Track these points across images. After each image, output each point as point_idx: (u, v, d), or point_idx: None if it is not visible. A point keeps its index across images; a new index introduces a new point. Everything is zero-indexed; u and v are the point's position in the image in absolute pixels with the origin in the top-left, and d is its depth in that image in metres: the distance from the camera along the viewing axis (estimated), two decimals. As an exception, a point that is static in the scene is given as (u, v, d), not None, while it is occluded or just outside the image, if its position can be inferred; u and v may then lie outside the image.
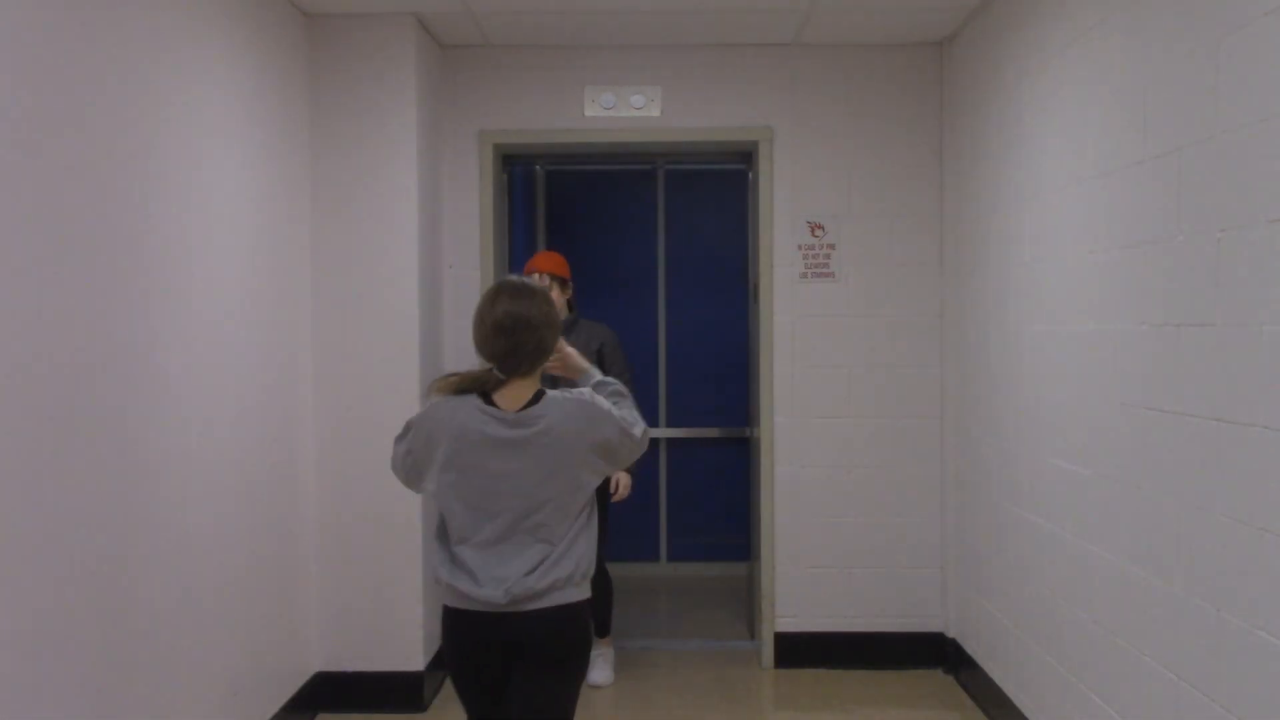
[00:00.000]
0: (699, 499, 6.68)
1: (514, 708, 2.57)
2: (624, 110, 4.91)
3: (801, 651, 4.89)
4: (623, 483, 4.65)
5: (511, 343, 2.53)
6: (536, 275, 4.55)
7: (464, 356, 4.91)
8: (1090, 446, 3.27)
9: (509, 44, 4.87)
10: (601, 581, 4.79)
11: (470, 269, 4.93)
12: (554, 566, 2.53)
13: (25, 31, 2.45)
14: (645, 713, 4.45)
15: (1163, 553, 2.79)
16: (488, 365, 2.59)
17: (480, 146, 4.93)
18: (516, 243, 5.88)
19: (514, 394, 2.57)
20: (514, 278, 2.71)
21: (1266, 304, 2.32)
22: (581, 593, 2.61)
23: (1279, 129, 2.28)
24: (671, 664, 4.99)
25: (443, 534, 2.63)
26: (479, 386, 2.58)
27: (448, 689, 4.71)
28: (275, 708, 3.97)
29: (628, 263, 6.81)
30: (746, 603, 5.59)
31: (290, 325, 4.19)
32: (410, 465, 2.64)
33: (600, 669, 4.74)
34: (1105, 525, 3.16)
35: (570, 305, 4.75)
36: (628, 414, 2.65)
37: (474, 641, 2.58)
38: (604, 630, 4.83)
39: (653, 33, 4.73)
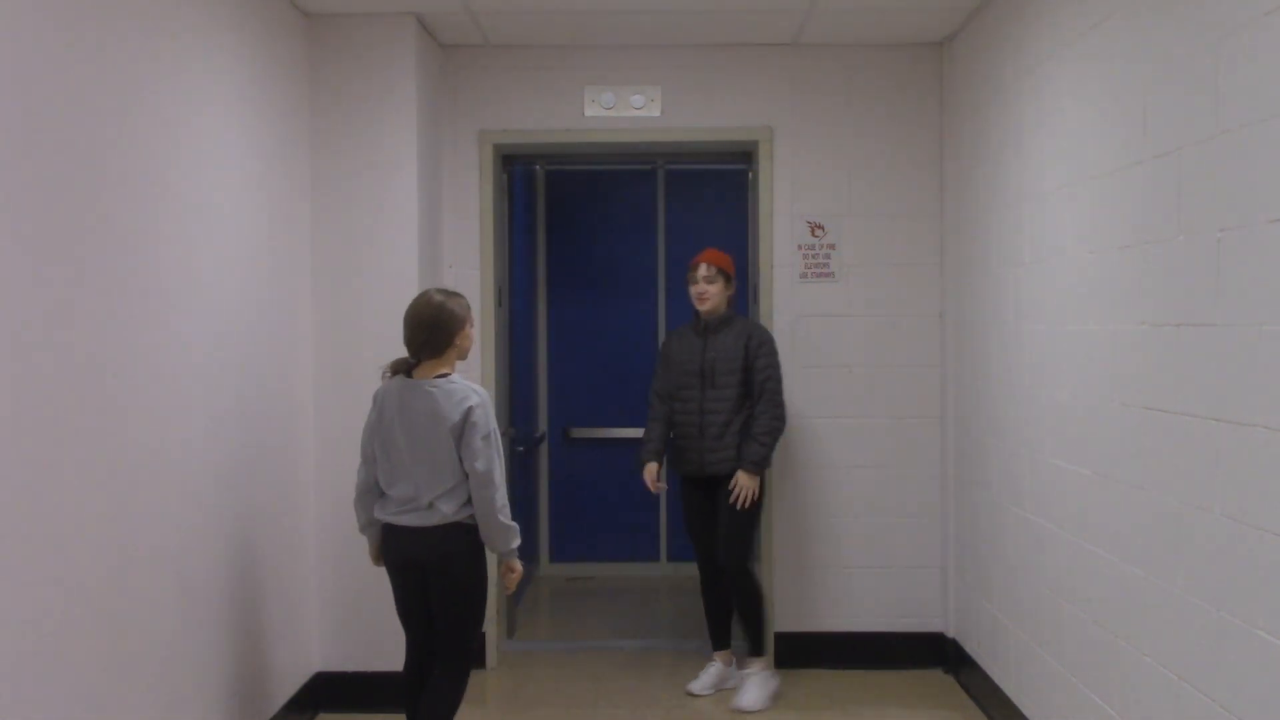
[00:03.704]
0: (699, 499, 6.65)
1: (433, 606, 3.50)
2: (624, 110, 4.91)
3: (801, 651, 4.89)
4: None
5: (411, 334, 3.43)
6: (703, 266, 4.57)
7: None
8: (1090, 446, 3.27)
9: (509, 44, 4.87)
10: (749, 588, 4.53)
11: (470, 269, 4.92)
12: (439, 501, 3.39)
13: (28, 33, 2.45)
14: (645, 712, 4.45)
15: (1163, 553, 2.79)
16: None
17: (480, 146, 4.93)
18: (516, 243, 5.88)
19: (424, 371, 3.44)
20: (430, 289, 3.55)
21: (1266, 304, 2.32)
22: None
23: (1279, 129, 2.28)
24: (671, 664, 4.99)
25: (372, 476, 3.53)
26: (403, 368, 3.46)
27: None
28: (275, 708, 3.97)
29: (628, 263, 6.81)
30: (746, 603, 5.57)
31: (290, 325, 4.19)
32: (368, 439, 3.51)
33: (749, 691, 4.46)
34: (1105, 525, 3.16)
35: (730, 302, 4.65)
36: (493, 455, 3.37)
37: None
38: (756, 648, 4.59)
39: (652, 33, 4.72)
